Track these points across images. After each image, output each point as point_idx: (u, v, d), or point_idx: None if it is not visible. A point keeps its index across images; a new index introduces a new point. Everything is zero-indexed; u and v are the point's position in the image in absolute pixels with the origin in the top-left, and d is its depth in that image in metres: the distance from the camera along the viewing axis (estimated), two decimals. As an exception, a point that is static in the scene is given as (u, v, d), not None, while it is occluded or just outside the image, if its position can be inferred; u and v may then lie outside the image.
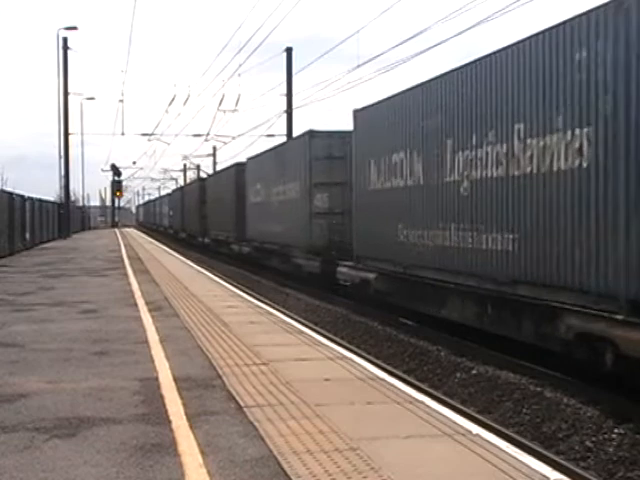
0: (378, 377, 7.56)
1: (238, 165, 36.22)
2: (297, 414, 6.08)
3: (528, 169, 11.23)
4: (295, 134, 37.00)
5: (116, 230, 77.05)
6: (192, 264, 26.21)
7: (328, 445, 5.26)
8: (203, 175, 64.21)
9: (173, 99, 61.99)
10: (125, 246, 39.66)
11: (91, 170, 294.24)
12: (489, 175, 12.25)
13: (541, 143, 10.90)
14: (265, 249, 29.18)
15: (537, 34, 11.04)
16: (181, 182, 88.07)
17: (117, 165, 76.31)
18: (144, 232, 79.24)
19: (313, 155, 22.45)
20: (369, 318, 17.44)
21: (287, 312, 15.75)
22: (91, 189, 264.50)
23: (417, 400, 6.60)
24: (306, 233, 22.66)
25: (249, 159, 34.17)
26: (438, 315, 14.39)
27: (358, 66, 27.51)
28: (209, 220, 44.37)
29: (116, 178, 75.56)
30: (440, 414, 6.15)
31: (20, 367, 8.17)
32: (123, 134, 74.94)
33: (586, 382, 10.38)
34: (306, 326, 12.12)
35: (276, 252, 27.30)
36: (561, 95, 10.44)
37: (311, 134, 22.77)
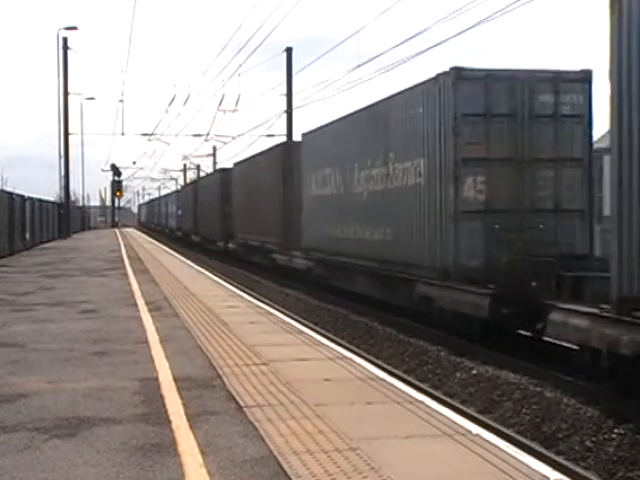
0: (378, 377, 7.56)
1: (286, 145, 26.82)
2: (297, 414, 6.08)
3: None
4: (295, 134, 35.39)
5: (116, 230, 77.01)
6: (192, 264, 26.21)
7: (328, 445, 5.26)
8: (203, 174, 63.92)
9: (173, 99, 61.60)
10: (125, 246, 39.64)
11: (91, 170, 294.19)
12: None
13: None
14: (344, 266, 19.98)
15: None
16: (181, 182, 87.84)
17: (117, 165, 76.48)
18: (145, 232, 79.18)
19: (460, 111, 13.64)
20: (369, 318, 17.44)
21: (287, 312, 15.76)
22: (91, 189, 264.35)
23: (417, 400, 6.60)
24: (443, 245, 14.06)
25: (306, 134, 24.14)
26: None
27: (358, 66, 27.41)
28: (235, 220, 36.28)
29: (116, 178, 75.62)
30: (440, 414, 6.15)
31: (20, 367, 8.17)
32: (123, 134, 74.82)
33: (586, 382, 10.39)
34: (306, 326, 12.13)
35: (371, 273, 18.16)
36: None
37: (458, 73, 13.69)
